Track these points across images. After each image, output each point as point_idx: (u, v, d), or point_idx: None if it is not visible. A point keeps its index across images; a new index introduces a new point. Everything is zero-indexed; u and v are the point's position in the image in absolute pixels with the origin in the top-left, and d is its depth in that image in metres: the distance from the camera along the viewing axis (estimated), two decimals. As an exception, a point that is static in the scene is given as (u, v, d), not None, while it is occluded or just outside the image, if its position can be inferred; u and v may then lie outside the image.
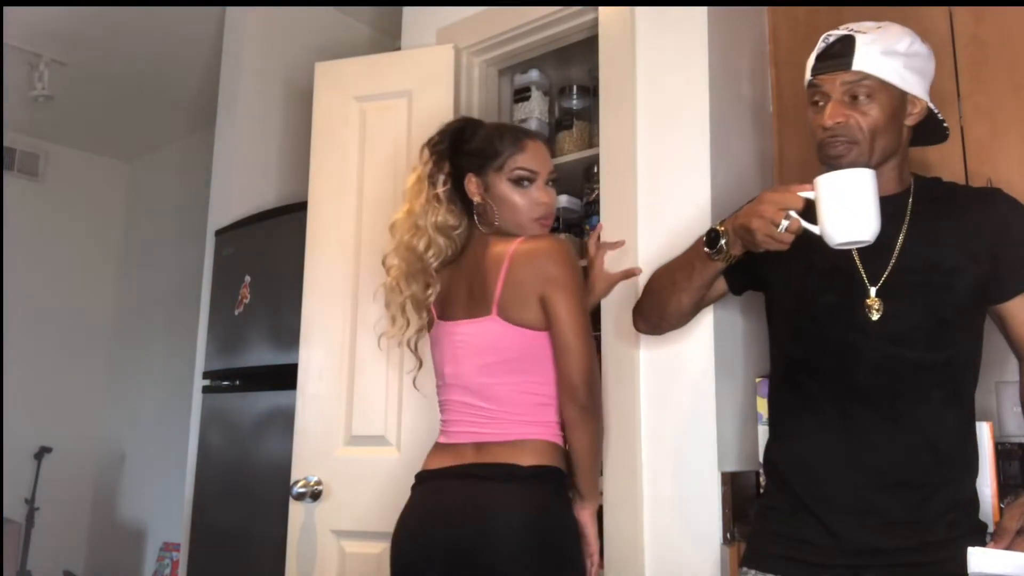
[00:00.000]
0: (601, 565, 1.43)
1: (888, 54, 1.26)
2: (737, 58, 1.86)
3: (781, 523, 1.31)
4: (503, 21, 2.15)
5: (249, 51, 2.98)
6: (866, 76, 1.25)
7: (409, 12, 2.40)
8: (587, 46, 2.06)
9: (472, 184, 1.54)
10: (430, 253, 1.53)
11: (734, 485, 1.59)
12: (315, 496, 1.99)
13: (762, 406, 1.66)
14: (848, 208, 1.16)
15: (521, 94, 2.33)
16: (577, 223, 2.22)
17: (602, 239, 1.79)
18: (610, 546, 1.70)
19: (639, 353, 1.71)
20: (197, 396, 2.72)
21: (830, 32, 1.31)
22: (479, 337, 1.47)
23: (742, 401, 1.69)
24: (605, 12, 1.91)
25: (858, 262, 1.29)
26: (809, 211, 1.19)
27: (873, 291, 1.27)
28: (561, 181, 2.26)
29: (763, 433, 1.65)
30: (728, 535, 1.55)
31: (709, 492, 1.58)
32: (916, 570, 1.19)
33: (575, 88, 2.29)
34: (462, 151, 1.57)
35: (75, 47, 3.46)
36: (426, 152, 1.60)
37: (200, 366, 2.74)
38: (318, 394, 2.06)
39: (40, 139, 4.45)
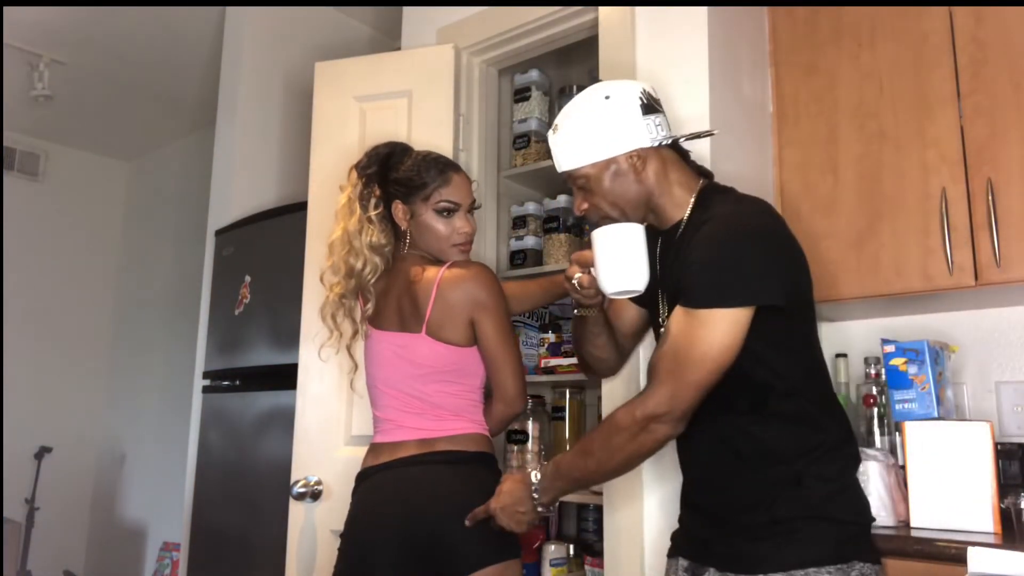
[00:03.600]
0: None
1: (576, 140, 1.34)
2: (737, 58, 1.86)
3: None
4: (503, 21, 2.15)
5: (249, 51, 2.98)
6: (570, 172, 1.37)
7: (409, 12, 2.40)
8: (587, 46, 2.06)
9: (399, 211, 1.66)
10: (367, 271, 1.64)
11: (734, 485, 1.59)
12: (315, 496, 1.99)
13: (762, 406, 1.66)
14: (616, 260, 1.26)
15: (521, 94, 2.33)
16: (577, 223, 2.22)
17: None
18: (610, 546, 1.70)
19: (639, 352, 1.71)
20: (197, 396, 2.72)
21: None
22: (410, 351, 1.59)
23: (742, 401, 1.69)
24: (605, 12, 1.91)
25: (660, 292, 1.36)
26: None
27: (661, 319, 1.35)
28: (561, 181, 2.28)
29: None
30: (728, 535, 1.55)
31: (709, 492, 1.58)
32: (734, 559, 1.24)
33: (575, 88, 2.29)
34: (389, 178, 1.67)
35: (75, 47, 3.46)
36: (354, 174, 1.70)
37: (200, 366, 2.74)
38: (318, 394, 2.06)
39: (40, 139, 4.45)
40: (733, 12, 1.85)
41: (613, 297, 1.30)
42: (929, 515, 1.49)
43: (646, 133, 1.33)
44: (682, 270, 1.25)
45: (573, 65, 2.41)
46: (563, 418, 2.15)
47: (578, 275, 1.34)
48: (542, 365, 2.14)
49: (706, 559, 1.28)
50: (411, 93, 2.13)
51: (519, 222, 2.27)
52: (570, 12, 2.02)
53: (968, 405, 1.84)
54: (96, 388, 4.63)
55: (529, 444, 2.10)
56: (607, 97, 1.34)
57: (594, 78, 2.11)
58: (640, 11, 1.84)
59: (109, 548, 4.38)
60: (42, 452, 4.17)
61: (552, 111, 2.37)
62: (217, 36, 3.18)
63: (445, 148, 2.06)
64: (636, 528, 1.65)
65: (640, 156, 1.33)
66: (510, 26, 2.13)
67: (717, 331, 1.17)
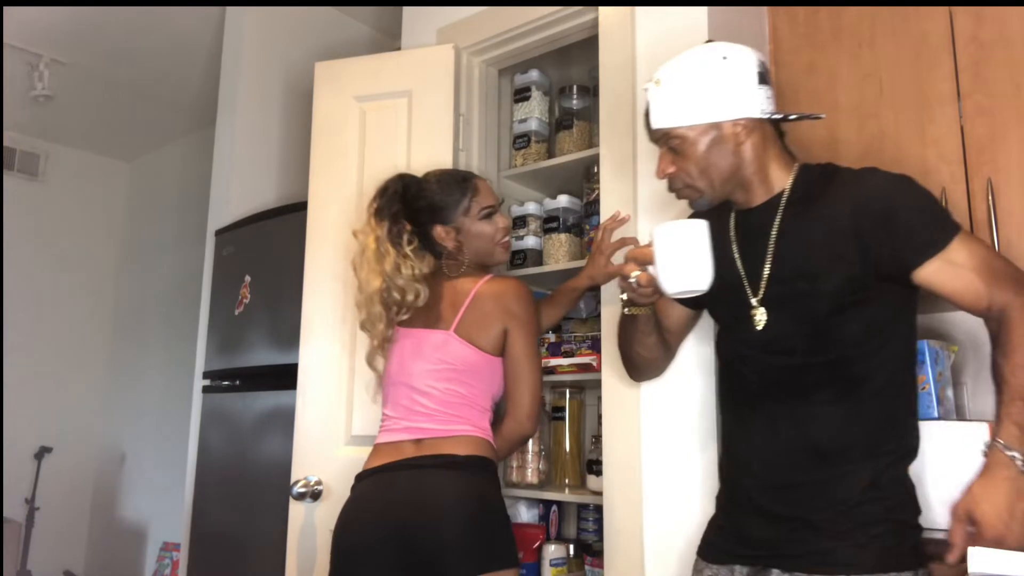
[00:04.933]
0: None
1: (683, 97, 1.27)
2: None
3: (716, 515, 1.41)
4: (503, 21, 2.15)
5: (249, 51, 2.98)
6: (667, 130, 1.29)
7: (409, 12, 2.40)
8: (587, 46, 2.06)
9: (441, 233, 1.70)
10: (420, 299, 1.67)
11: (734, 485, 1.59)
12: (315, 496, 1.99)
13: (762, 406, 1.66)
14: (678, 259, 1.20)
15: (521, 94, 2.33)
16: (577, 223, 2.22)
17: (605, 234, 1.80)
18: (610, 545, 1.70)
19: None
20: (197, 396, 2.72)
21: (646, 83, 1.35)
22: (432, 345, 1.62)
23: (742, 401, 1.69)
24: (605, 12, 1.91)
25: (742, 274, 1.32)
26: None
27: (755, 301, 1.30)
28: (561, 181, 2.28)
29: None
30: (728, 535, 1.55)
31: (709, 492, 1.58)
32: (802, 560, 1.21)
33: (575, 88, 2.29)
34: (416, 208, 1.71)
35: (75, 47, 3.46)
36: (372, 220, 1.70)
37: (200, 366, 2.74)
38: (318, 394, 2.06)
39: (40, 139, 4.45)
40: (733, 12, 1.85)
41: (674, 297, 1.24)
42: (929, 515, 1.49)
43: (757, 103, 1.27)
44: (879, 227, 1.20)
45: (573, 65, 2.41)
46: (563, 418, 2.15)
47: (636, 274, 1.25)
48: (542, 365, 2.14)
49: (769, 560, 1.24)
50: (411, 93, 2.13)
51: (519, 222, 2.26)
52: (570, 12, 2.02)
53: (968, 405, 1.84)
54: (96, 388, 4.63)
55: (529, 444, 2.10)
56: (724, 57, 1.27)
57: (594, 78, 2.11)
58: (640, 11, 1.84)
59: (109, 548, 4.38)
60: (42, 452, 4.18)
61: (552, 111, 2.37)
62: (217, 36, 3.18)
63: (445, 148, 2.07)
64: (636, 528, 1.65)
65: (745, 126, 1.28)
66: (510, 26, 2.13)
67: (983, 244, 1.22)
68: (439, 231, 1.69)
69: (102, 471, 4.54)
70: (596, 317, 2.05)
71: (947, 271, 1.19)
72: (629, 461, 1.69)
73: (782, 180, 1.32)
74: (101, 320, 4.71)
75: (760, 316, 1.28)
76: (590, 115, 2.24)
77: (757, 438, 1.30)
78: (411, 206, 1.71)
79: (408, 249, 1.67)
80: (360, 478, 1.63)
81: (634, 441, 1.69)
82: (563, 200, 2.21)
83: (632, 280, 1.26)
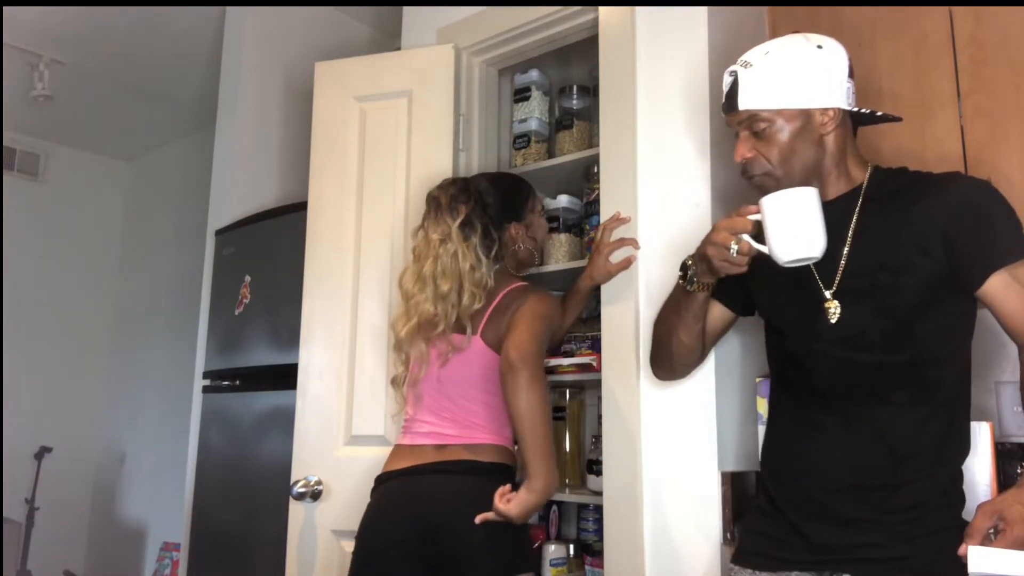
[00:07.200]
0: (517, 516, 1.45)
1: (775, 81, 1.27)
2: (737, 58, 1.86)
3: (762, 522, 1.35)
4: (503, 21, 2.15)
5: (249, 51, 2.98)
6: (755, 112, 1.28)
7: (409, 12, 2.40)
8: (587, 46, 2.06)
9: (515, 232, 1.72)
10: (476, 307, 1.62)
11: (734, 485, 1.59)
12: (315, 496, 1.99)
13: (762, 406, 1.66)
14: (792, 226, 1.20)
15: (521, 94, 2.33)
16: (577, 223, 2.22)
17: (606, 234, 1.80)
18: (610, 545, 1.70)
19: (639, 353, 1.71)
20: (197, 396, 2.72)
21: (730, 67, 1.34)
22: (460, 353, 1.61)
23: (742, 401, 1.69)
24: (605, 12, 1.91)
25: (813, 269, 1.30)
26: (762, 233, 1.22)
27: (829, 294, 1.28)
28: (561, 181, 2.28)
29: (763, 433, 1.65)
30: (728, 535, 1.55)
31: (709, 492, 1.58)
32: (878, 565, 1.19)
33: (575, 88, 2.29)
34: (487, 207, 1.69)
35: (75, 47, 3.46)
36: (454, 223, 1.64)
37: (200, 366, 2.74)
38: (318, 394, 2.06)
39: (40, 139, 4.45)
40: (733, 12, 1.85)
41: (787, 266, 1.22)
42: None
43: (846, 95, 1.28)
44: (966, 230, 1.21)
45: (573, 65, 2.41)
46: (563, 418, 2.15)
47: (734, 244, 1.22)
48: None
49: (839, 566, 1.21)
50: (411, 93, 2.13)
51: (519, 222, 2.26)
52: (570, 12, 2.02)
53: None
54: (96, 388, 4.62)
55: (529, 444, 2.10)
56: (820, 47, 1.28)
57: (594, 78, 2.11)
58: (640, 11, 1.84)
59: (109, 548, 4.38)
60: (42, 452, 4.17)
61: (552, 111, 2.37)
62: (217, 36, 3.18)
63: (445, 148, 2.07)
64: (636, 528, 1.65)
65: (833, 117, 1.28)
66: (510, 26, 2.13)
67: None
68: (514, 229, 1.71)
69: (102, 471, 4.54)
70: (596, 317, 2.05)
71: (1011, 287, 1.20)
72: (629, 461, 1.69)
73: (859, 176, 1.33)
74: (101, 320, 4.71)
75: (834, 309, 1.27)
76: (590, 115, 2.24)
77: (828, 438, 1.26)
78: (482, 206, 1.67)
79: (481, 251, 1.62)
80: (381, 480, 1.63)
81: (634, 441, 1.69)
82: (563, 200, 2.21)
83: (732, 250, 1.23)
